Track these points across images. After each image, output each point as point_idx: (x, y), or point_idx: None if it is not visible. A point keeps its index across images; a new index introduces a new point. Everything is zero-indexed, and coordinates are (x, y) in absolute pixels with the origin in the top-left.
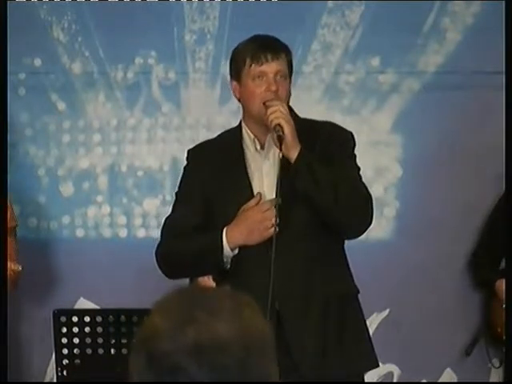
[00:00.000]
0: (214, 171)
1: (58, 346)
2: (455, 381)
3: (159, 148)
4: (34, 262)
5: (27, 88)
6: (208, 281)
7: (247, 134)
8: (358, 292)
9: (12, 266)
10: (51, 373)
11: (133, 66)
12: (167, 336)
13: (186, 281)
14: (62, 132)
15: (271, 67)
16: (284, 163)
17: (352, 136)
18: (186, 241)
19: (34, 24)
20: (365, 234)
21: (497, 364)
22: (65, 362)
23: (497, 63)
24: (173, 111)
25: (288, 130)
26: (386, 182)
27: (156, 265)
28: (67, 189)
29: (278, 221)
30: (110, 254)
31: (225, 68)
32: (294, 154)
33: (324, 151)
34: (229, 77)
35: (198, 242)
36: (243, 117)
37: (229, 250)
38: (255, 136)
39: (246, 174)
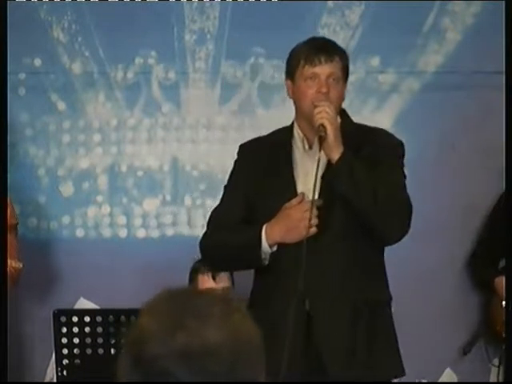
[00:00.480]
0: (261, 168)
1: (58, 346)
2: (455, 381)
3: (159, 148)
4: (34, 262)
5: (27, 88)
6: (208, 280)
7: (297, 134)
8: (391, 299)
9: (13, 264)
10: (51, 373)
11: (133, 66)
12: (156, 340)
13: (178, 281)
14: (62, 132)
15: (324, 69)
16: (328, 164)
17: (401, 144)
18: (228, 234)
19: (34, 24)
20: None
21: (496, 363)
22: (65, 361)
23: (497, 63)
24: (173, 111)
25: (331, 131)
26: None
27: (155, 264)
28: (67, 189)
29: (317, 221)
30: (110, 253)
31: (225, 68)
32: (335, 156)
33: (370, 156)
34: (226, 76)
35: (238, 236)
36: (295, 116)
37: (267, 246)
38: (305, 136)
39: (292, 173)
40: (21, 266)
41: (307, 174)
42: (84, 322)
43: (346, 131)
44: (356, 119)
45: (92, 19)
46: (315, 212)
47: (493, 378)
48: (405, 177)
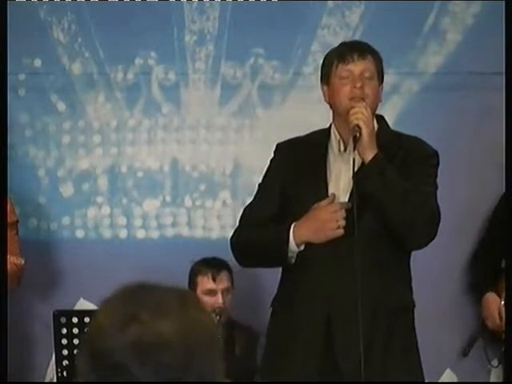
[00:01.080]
0: (296, 168)
1: (58, 347)
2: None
3: (159, 149)
4: (34, 263)
5: (27, 88)
6: (208, 281)
7: (334, 136)
8: (414, 306)
9: (14, 260)
10: (51, 374)
11: (133, 67)
12: (110, 334)
13: (178, 282)
14: (62, 133)
15: (357, 66)
16: (361, 166)
17: (436, 154)
18: (257, 232)
19: (34, 24)
20: None
21: (495, 363)
22: (65, 362)
23: (497, 64)
24: (173, 112)
25: (365, 132)
26: None
27: (155, 265)
28: (67, 189)
29: (344, 223)
30: (110, 254)
31: (225, 68)
32: (369, 156)
33: (403, 164)
34: (226, 77)
35: (267, 234)
36: (333, 118)
37: (294, 245)
38: (341, 138)
39: (325, 174)
40: (23, 262)
41: (339, 176)
42: (84, 322)
43: (381, 138)
44: None
45: (92, 20)
46: (343, 214)
47: (493, 380)
48: (436, 187)
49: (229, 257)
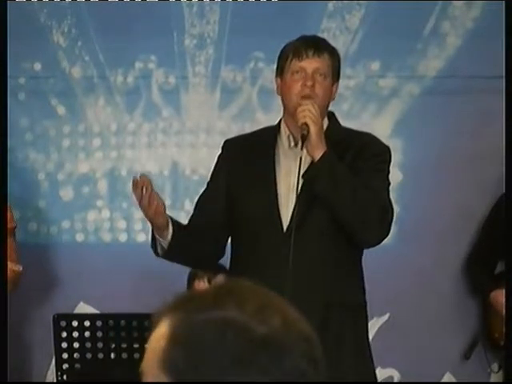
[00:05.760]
0: (243, 163)
1: (58, 351)
2: None
3: (159, 152)
4: (34, 267)
5: (27, 92)
6: (204, 285)
7: (284, 131)
8: (365, 304)
9: (12, 267)
10: (51, 377)
11: (133, 71)
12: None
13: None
14: (61, 136)
15: (311, 63)
16: (311, 164)
17: (388, 150)
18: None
19: (34, 28)
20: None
21: (496, 369)
22: (65, 366)
23: (497, 67)
24: (173, 116)
25: (314, 130)
26: None
27: (155, 269)
28: (67, 193)
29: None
30: (110, 258)
31: (225, 72)
32: (318, 154)
33: (353, 160)
34: (226, 81)
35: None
36: (283, 113)
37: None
38: (291, 133)
39: (274, 171)
40: (20, 268)
41: (289, 173)
42: (84, 326)
43: (332, 135)
44: (356, 124)
45: (92, 23)
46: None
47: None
48: (389, 183)
49: (226, 260)
